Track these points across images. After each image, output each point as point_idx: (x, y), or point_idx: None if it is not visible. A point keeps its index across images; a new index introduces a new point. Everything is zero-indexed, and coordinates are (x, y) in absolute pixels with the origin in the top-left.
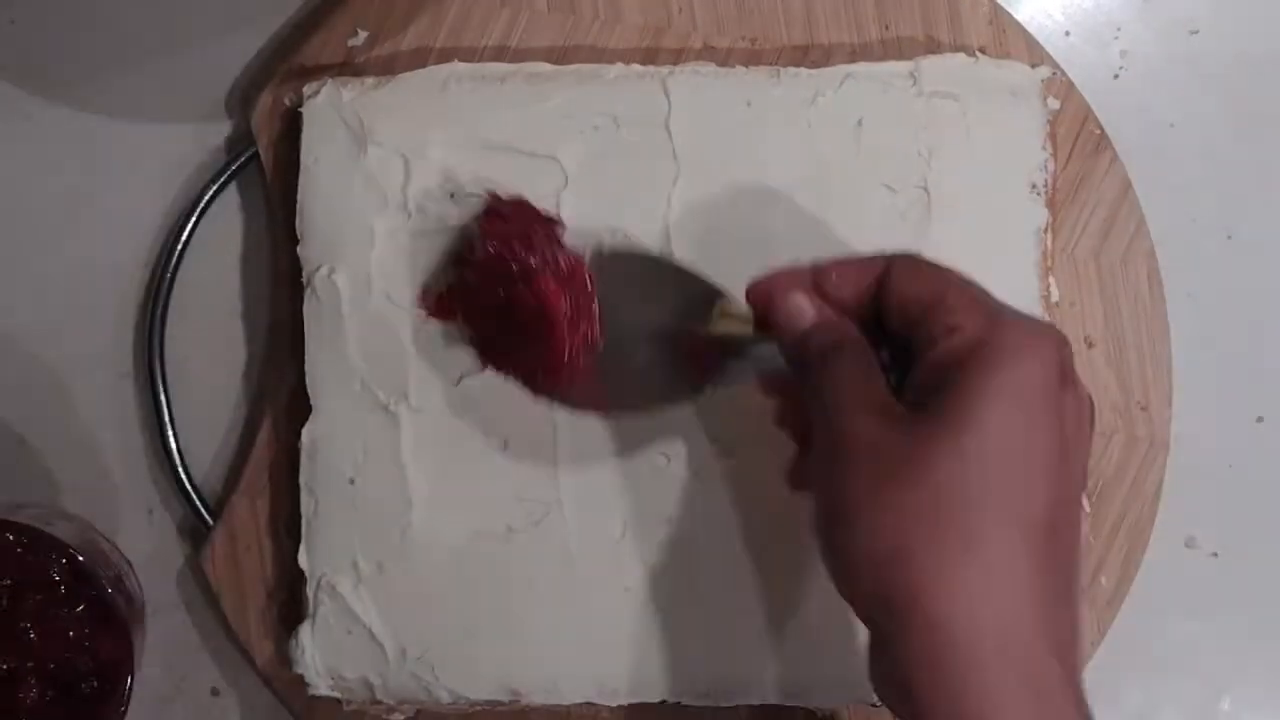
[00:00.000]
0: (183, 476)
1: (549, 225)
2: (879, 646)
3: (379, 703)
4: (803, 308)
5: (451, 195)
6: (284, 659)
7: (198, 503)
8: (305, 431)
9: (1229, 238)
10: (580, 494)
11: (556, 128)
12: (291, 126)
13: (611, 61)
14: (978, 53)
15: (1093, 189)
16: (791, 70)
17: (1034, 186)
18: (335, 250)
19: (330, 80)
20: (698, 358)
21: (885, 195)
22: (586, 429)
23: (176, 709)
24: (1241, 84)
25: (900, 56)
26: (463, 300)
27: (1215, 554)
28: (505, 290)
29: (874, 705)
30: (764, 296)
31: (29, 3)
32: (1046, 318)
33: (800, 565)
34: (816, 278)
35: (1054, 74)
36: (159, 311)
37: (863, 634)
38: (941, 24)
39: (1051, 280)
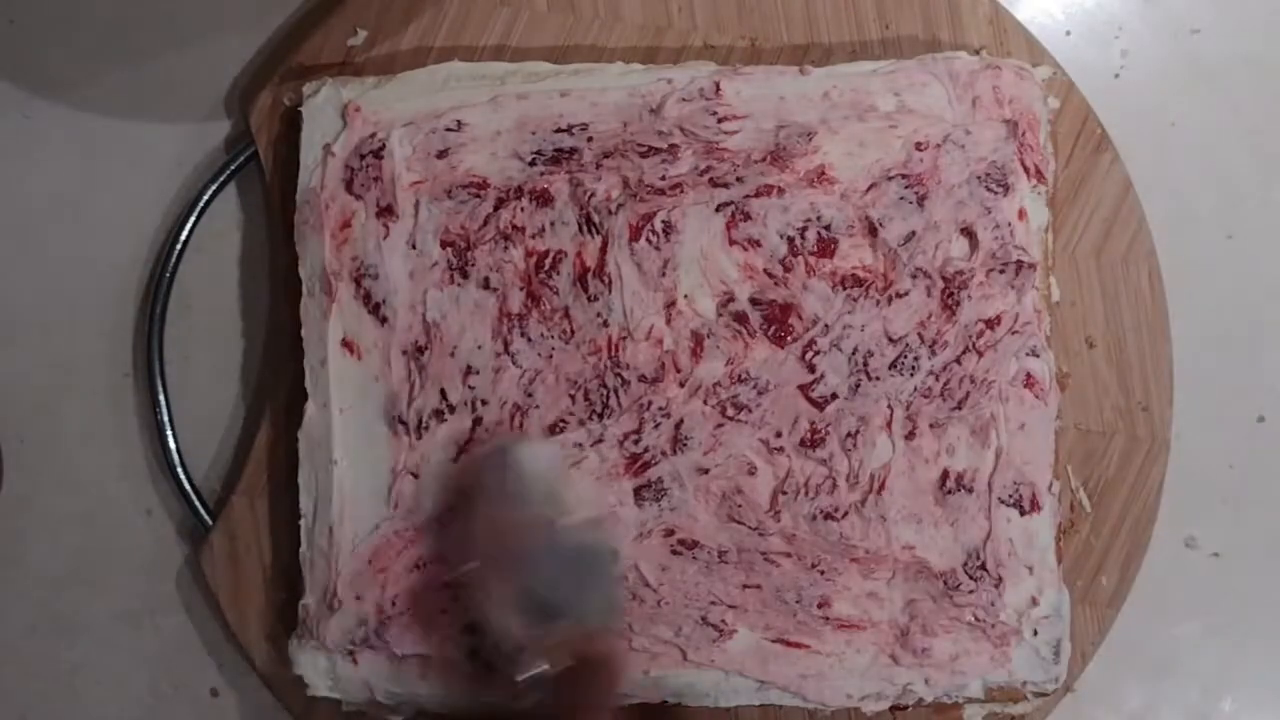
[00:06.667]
0: (182, 477)
1: None
2: None
3: (378, 703)
4: None
5: None
6: (283, 659)
7: (197, 503)
8: (304, 431)
9: (1229, 238)
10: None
11: None
12: (291, 126)
13: (611, 60)
14: (979, 52)
15: (1093, 189)
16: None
17: (1035, 186)
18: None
19: (330, 79)
20: None
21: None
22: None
23: (176, 709)
24: (1242, 84)
25: (901, 56)
26: None
27: (1215, 554)
28: None
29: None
30: None
31: (29, 3)
32: (1047, 317)
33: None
34: None
35: (1054, 73)
36: (159, 311)
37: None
38: (942, 23)
39: (1053, 280)
